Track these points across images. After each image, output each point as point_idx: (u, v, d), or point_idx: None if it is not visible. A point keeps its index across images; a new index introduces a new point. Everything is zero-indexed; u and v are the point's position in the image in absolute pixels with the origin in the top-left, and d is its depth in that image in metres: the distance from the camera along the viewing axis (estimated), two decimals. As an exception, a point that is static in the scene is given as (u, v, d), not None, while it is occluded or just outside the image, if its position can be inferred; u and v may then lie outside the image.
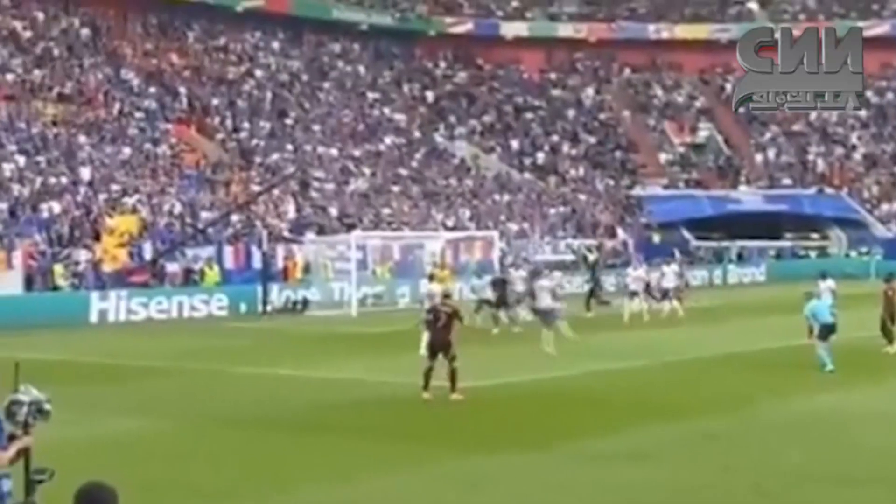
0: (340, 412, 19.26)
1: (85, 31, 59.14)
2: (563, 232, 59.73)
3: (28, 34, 56.14)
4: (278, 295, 42.08)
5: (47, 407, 8.86)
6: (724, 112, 75.23)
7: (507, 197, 62.48)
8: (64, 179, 45.34)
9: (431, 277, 29.56)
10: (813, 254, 65.07)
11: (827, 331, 23.82)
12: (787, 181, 70.62)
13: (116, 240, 41.57)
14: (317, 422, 18.28)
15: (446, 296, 21.33)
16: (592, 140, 72.93)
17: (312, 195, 53.42)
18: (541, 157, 70.05)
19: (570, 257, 55.11)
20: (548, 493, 13.58)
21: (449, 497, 13.49)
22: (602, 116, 75.32)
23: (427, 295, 27.96)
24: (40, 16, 58.01)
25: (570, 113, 75.12)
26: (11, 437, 8.79)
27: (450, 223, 54.53)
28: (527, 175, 67.47)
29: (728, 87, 77.17)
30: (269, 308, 40.65)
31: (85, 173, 46.36)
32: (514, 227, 57.79)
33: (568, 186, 67.44)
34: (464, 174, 64.14)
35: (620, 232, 62.35)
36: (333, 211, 52.20)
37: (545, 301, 27.29)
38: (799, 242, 66.94)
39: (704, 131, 74.33)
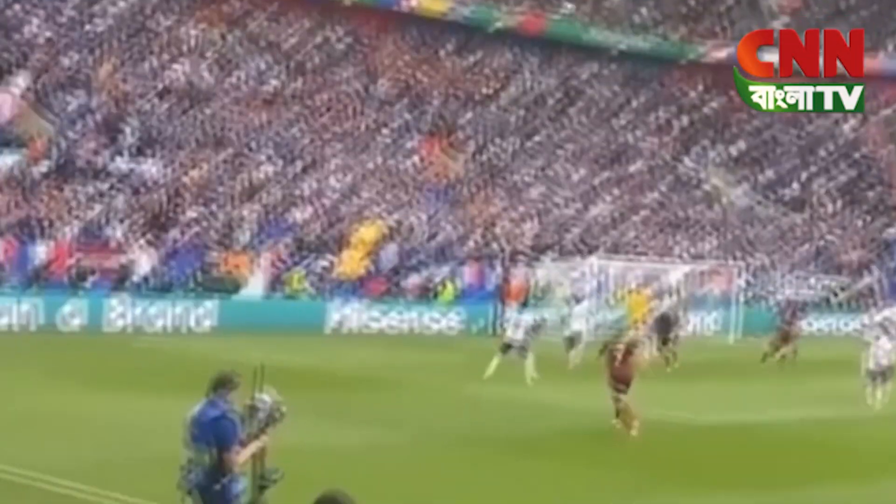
0: (564, 438, 19.04)
1: (342, 45, 60.33)
2: (810, 269, 57.66)
3: (288, 44, 57.58)
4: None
5: (283, 410, 8.80)
6: None
7: (753, 230, 60.75)
8: (312, 187, 46.19)
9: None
10: None
11: None
12: None
13: (359, 250, 42.14)
14: (543, 446, 18.07)
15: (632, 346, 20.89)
16: (848, 176, 70.28)
17: (554, 216, 53.02)
18: (792, 190, 67.90)
19: (819, 295, 53.20)
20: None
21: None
22: (860, 152, 72.53)
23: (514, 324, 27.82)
24: (300, 26, 59.44)
25: (827, 146, 72.60)
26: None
27: (692, 253, 53.29)
28: (776, 208, 65.50)
29: None
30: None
31: (332, 182, 47.13)
32: (758, 260, 56.08)
33: (819, 222, 65.14)
34: (710, 204, 62.71)
35: (874, 271, 59.78)
36: (574, 233, 51.68)
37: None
38: None
39: (971, 171, 70.75)
